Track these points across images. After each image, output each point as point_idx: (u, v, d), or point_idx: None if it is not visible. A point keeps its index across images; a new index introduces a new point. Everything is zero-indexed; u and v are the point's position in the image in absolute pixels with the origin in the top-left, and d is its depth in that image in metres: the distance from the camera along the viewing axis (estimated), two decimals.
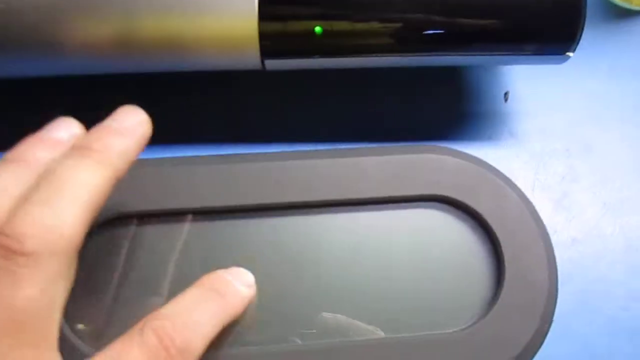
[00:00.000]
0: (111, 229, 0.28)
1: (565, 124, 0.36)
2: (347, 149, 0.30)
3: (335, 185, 0.29)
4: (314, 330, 0.27)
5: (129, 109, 0.23)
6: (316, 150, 0.30)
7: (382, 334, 0.27)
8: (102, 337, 0.26)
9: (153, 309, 0.23)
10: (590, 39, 0.35)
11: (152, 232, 0.28)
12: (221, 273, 0.26)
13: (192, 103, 0.34)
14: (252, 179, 0.29)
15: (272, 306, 0.28)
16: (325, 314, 0.27)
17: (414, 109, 0.35)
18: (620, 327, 0.32)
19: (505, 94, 0.37)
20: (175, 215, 0.28)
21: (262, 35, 0.29)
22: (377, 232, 0.29)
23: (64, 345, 0.23)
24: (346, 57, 0.30)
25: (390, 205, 0.29)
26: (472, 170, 0.30)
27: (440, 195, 0.29)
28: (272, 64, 0.30)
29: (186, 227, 0.28)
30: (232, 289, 0.25)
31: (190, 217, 0.28)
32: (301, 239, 0.29)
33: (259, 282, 0.27)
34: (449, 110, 0.36)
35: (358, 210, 0.29)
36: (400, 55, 0.30)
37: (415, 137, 0.35)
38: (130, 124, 0.23)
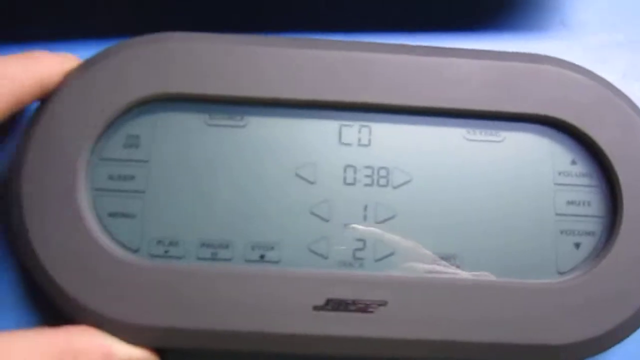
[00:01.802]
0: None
1: (628, 11, 0.30)
2: (444, 47, 0.25)
3: (425, 88, 0.24)
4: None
5: None
6: (405, 45, 0.25)
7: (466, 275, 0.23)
8: None
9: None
10: None
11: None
12: None
13: None
14: (327, 70, 0.23)
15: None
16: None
17: None
18: None
19: None
20: (234, 104, 0.24)
21: None
22: (471, 152, 0.24)
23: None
24: None
25: (488, 122, 0.24)
26: (594, 90, 0.24)
27: (550, 117, 0.24)
28: None
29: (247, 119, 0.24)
30: None
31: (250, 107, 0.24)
32: (377, 148, 0.24)
33: (320, 190, 0.23)
34: None
35: (450, 125, 0.24)
36: None
37: (449, 25, 0.29)
38: None
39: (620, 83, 0.28)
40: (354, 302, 0.22)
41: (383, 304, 0.22)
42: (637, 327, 0.23)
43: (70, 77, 0.23)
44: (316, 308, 0.22)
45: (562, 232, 0.23)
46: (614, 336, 0.22)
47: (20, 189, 0.22)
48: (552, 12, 0.30)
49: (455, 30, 0.29)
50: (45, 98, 0.23)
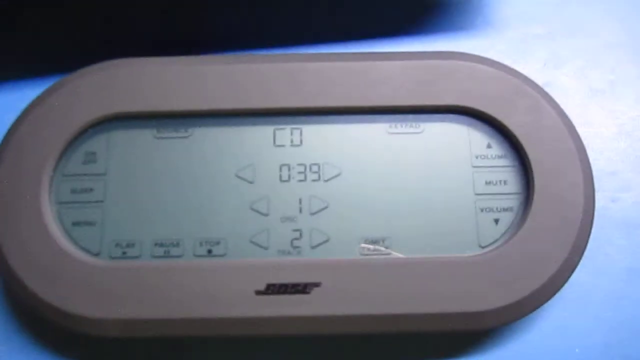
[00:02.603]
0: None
1: (546, 4, 0.32)
2: (364, 52, 0.27)
3: (349, 91, 0.26)
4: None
5: None
6: (329, 53, 0.28)
7: (396, 254, 0.25)
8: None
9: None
10: None
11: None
12: None
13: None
14: (259, 81, 0.26)
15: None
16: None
17: None
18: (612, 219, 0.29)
19: None
20: (178, 118, 0.26)
21: None
22: (393, 144, 0.26)
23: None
24: None
25: (408, 116, 0.26)
26: (504, 80, 0.26)
27: (465, 107, 0.26)
28: None
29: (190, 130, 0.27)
30: None
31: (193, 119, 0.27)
32: (308, 147, 0.26)
33: (258, 188, 0.25)
34: None
35: (374, 121, 0.26)
36: None
37: (379, 30, 0.31)
38: None
39: (540, 72, 0.31)
40: (291, 285, 0.24)
41: (317, 285, 0.24)
42: (555, 292, 0.25)
43: (31, 106, 0.26)
44: (258, 293, 0.24)
45: (482, 210, 0.26)
46: (534, 301, 0.25)
47: None
48: (476, 12, 0.32)
49: (384, 35, 0.31)
50: (12, 124, 0.26)
